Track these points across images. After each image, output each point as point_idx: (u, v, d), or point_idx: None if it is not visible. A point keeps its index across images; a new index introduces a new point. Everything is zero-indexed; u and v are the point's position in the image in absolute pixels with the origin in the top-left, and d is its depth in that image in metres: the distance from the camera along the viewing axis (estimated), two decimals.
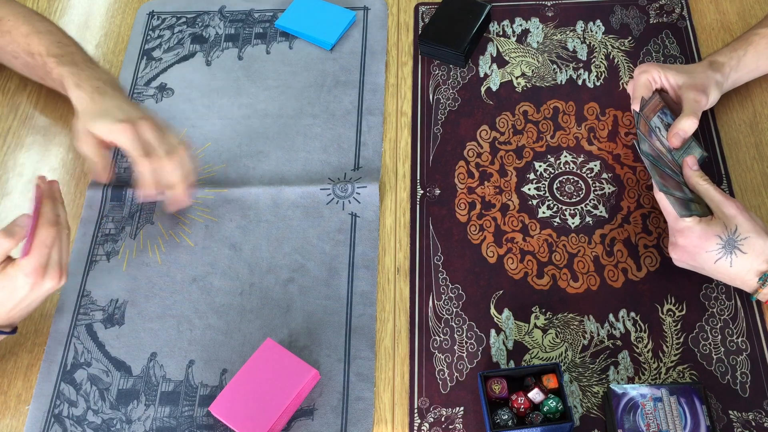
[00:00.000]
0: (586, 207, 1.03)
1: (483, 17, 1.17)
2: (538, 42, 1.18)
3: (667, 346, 0.93)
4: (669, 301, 0.95)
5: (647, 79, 1.02)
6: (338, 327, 0.97)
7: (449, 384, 0.92)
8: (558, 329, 0.95)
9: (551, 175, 1.06)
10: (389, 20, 1.23)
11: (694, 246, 0.88)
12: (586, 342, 0.94)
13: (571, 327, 0.95)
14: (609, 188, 1.04)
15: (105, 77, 1.06)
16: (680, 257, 0.91)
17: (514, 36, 1.19)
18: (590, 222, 1.02)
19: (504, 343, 0.94)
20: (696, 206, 0.91)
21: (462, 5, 1.18)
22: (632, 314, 0.95)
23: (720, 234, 0.87)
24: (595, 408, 0.90)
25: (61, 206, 0.92)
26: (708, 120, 1.08)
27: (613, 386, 0.86)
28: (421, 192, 1.06)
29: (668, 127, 0.97)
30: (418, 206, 1.05)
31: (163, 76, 1.20)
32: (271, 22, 1.25)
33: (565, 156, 1.07)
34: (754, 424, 0.87)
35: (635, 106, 1.01)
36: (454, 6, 1.19)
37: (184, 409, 0.93)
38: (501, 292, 0.98)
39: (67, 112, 1.17)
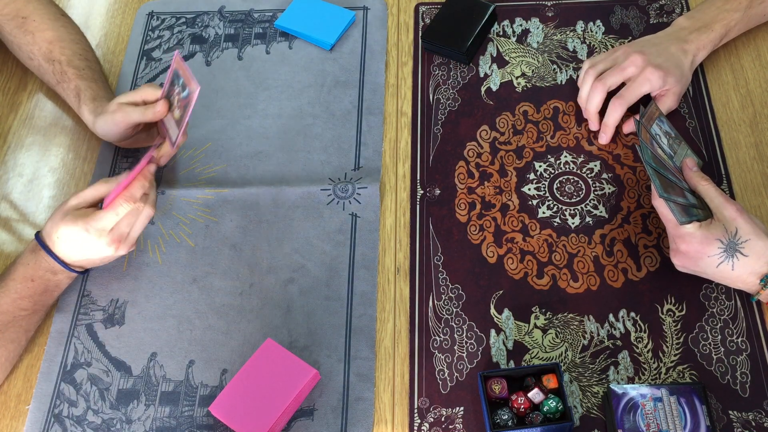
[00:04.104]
0: (586, 207, 1.03)
1: (487, 17, 1.17)
2: (538, 42, 1.18)
3: (667, 346, 0.93)
4: (669, 301, 0.95)
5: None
6: (338, 327, 0.97)
7: (449, 384, 0.92)
8: (558, 329, 0.95)
9: (551, 175, 1.06)
10: (389, 20, 1.23)
11: (695, 251, 0.88)
12: (586, 342, 0.94)
13: (571, 327, 0.95)
14: (609, 188, 1.04)
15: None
16: (682, 263, 0.91)
17: (514, 36, 1.19)
18: (590, 222, 1.02)
19: (504, 343, 0.94)
20: (698, 211, 0.91)
21: (466, 5, 1.18)
22: (632, 314, 0.95)
23: (721, 238, 0.87)
24: (595, 408, 0.90)
25: (153, 187, 0.98)
26: (708, 120, 1.08)
27: (613, 386, 0.86)
28: (421, 192, 1.06)
29: (666, 134, 0.98)
30: (418, 206, 1.05)
31: (163, 76, 1.20)
32: (270, 22, 1.25)
33: (565, 156, 1.07)
34: (754, 424, 0.87)
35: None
36: (457, 5, 1.19)
37: (184, 409, 0.93)
38: (501, 292, 0.98)
39: (67, 111, 1.17)
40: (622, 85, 1.05)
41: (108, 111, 1.03)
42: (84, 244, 0.93)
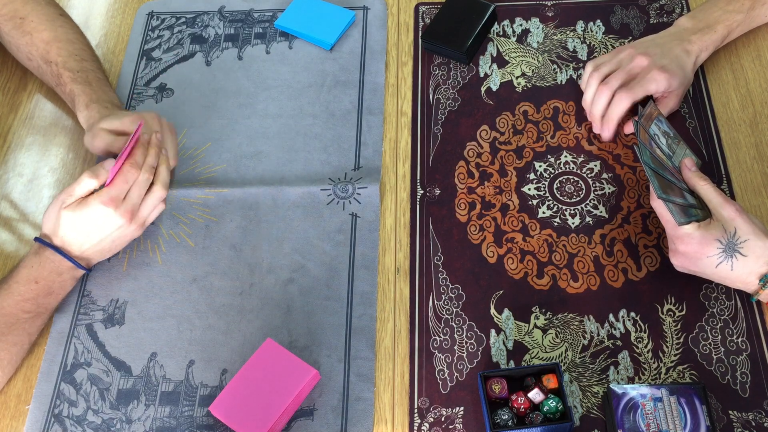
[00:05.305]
0: (586, 207, 1.03)
1: (487, 17, 1.17)
2: (538, 42, 1.18)
3: (667, 346, 0.93)
4: (669, 301, 0.95)
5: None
6: (338, 327, 0.97)
7: (449, 384, 0.92)
8: (558, 329, 0.95)
9: (551, 175, 1.06)
10: (389, 20, 1.23)
11: (694, 252, 0.88)
12: (586, 342, 0.94)
13: (571, 327, 0.95)
14: (609, 188, 1.04)
15: (115, 99, 1.09)
16: (681, 263, 0.91)
17: (514, 36, 1.19)
18: (590, 222, 1.02)
19: (504, 343, 0.94)
20: (697, 211, 0.91)
21: (466, 5, 1.18)
22: (632, 314, 0.95)
23: (720, 238, 0.87)
24: (595, 408, 0.90)
25: (154, 155, 0.98)
26: (708, 120, 1.08)
27: (613, 386, 0.86)
28: (421, 192, 1.06)
29: (665, 134, 0.98)
30: (418, 206, 1.05)
31: (163, 77, 1.20)
32: (270, 22, 1.25)
33: (565, 156, 1.07)
34: (754, 424, 0.87)
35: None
36: (457, 5, 1.19)
37: (184, 409, 0.93)
38: (501, 292, 0.98)
39: (67, 111, 1.18)
40: None
41: (93, 133, 1.02)
42: (97, 219, 0.93)
